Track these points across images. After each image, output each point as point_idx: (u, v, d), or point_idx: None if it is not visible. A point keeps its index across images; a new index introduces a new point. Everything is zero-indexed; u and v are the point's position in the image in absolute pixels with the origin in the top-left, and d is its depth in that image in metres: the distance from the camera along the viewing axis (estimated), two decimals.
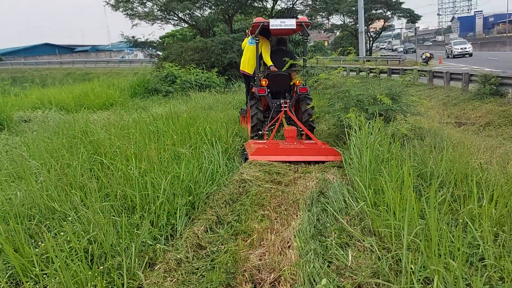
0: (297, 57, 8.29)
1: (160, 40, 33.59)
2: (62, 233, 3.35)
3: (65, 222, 3.62)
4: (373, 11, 50.49)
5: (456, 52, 37.84)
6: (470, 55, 37.67)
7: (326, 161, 6.13)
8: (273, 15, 26.23)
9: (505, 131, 9.29)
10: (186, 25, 29.11)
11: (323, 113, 8.13)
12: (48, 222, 3.77)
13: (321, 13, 34.49)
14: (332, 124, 7.87)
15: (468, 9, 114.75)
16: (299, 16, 24.30)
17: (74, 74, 43.68)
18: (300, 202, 4.54)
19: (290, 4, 27.77)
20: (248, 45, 8.60)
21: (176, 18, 27.35)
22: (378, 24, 56.56)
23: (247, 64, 8.57)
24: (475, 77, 13.79)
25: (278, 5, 27.84)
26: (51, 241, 2.92)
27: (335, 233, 3.71)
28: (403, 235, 2.81)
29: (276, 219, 4.22)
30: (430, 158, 4.85)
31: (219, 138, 6.76)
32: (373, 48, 57.70)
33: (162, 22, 27.55)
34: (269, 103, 8.02)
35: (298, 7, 28.25)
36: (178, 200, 4.23)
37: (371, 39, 54.46)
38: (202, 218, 4.21)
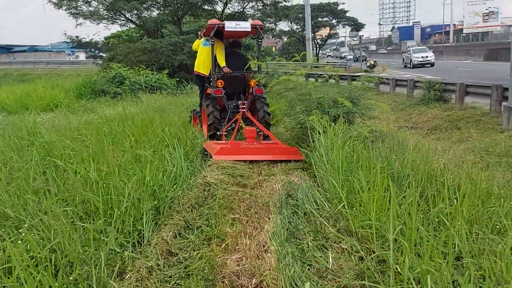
0: (251, 59, 8.28)
1: (105, 41, 32.52)
2: (19, 241, 3.03)
3: (21, 230, 3.29)
4: (319, 19, 51.92)
5: (416, 62, 31.87)
6: (432, 64, 31.79)
7: (290, 162, 6.12)
8: (223, 18, 26.14)
9: (451, 135, 9.73)
10: (133, 26, 28.36)
11: (281, 115, 8.14)
12: (2, 229, 3.41)
13: (269, 19, 34.82)
14: (292, 127, 7.87)
15: (407, 20, 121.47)
16: (250, 20, 24.37)
17: (12, 75, 41.27)
18: (270, 204, 4.45)
19: (241, 8, 27.83)
20: (202, 47, 8.45)
21: (123, 18, 26.57)
22: (324, 31, 58.17)
23: (202, 66, 8.41)
24: (420, 83, 14.42)
25: (228, 8, 27.81)
26: (13, 250, 2.63)
27: (310, 235, 3.65)
28: (390, 236, 2.78)
29: (247, 222, 4.10)
30: (395, 159, 4.93)
31: (178, 140, 6.54)
32: (319, 55, 59.06)
33: (108, 22, 26.69)
34: (225, 104, 7.92)
35: (248, 11, 28.43)
36: (143, 205, 3.99)
37: (317, 46, 55.82)
38: (169, 223, 4.00)
